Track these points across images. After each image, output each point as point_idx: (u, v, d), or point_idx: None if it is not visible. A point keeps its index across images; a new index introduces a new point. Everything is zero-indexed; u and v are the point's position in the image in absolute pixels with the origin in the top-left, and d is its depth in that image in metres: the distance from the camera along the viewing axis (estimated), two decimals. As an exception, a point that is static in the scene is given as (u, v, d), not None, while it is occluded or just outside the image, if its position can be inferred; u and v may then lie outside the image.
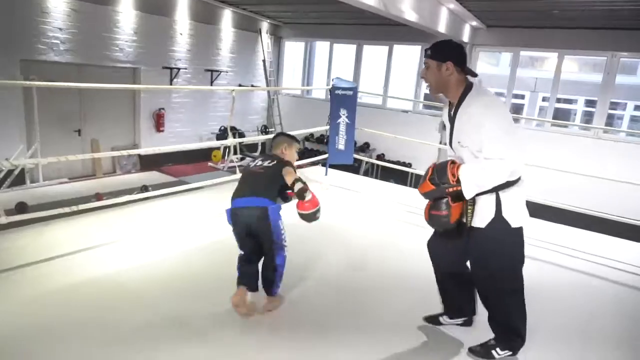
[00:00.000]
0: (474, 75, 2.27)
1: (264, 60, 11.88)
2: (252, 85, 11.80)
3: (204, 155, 10.28)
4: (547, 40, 8.77)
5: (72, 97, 8.64)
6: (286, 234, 2.69)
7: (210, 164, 10.45)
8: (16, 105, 7.73)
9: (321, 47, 12.39)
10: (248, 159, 10.26)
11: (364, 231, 4.26)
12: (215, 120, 11.01)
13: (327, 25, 11.27)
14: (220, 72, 10.85)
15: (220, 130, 10.75)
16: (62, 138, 8.62)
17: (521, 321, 2.37)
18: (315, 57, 12.61)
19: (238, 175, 5.27)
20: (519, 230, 2.24)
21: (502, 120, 2.11)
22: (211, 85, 10.62)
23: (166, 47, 9.70)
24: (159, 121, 9.85)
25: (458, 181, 2.13)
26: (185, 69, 10.05)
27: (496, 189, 2.16)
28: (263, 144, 11.82)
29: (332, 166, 5.79)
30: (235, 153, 10.54)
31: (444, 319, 2.68)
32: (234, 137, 10.77)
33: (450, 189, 2.15)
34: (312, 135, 11.54)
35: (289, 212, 2.71)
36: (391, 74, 10.89)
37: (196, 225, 4.03)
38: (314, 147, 11.49)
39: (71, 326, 2.45)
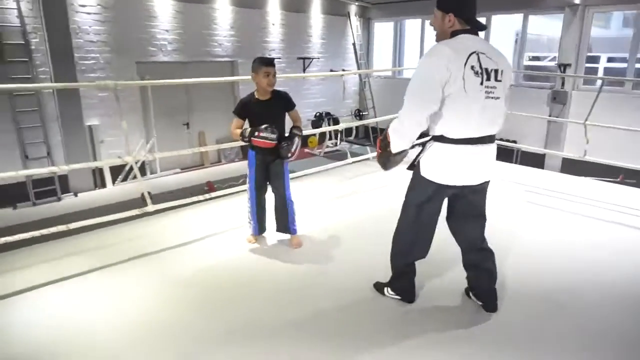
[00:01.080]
0: (483, 28, 2.21)
1: (353, 44, 11.81)
2: (343, 70, 11.81)
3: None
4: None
5: (180, 93, 9.32)
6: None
7: (306, 150, 10.70)
8: (135, 103, 8.50)
9: (410, 25, 12.01)
10: (344, 144, 10.43)
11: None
12: (309, 107, 11.21)
13: (418, 1, 10.87)
14: (312, 58, 11.00)
15: (315, 116, 10.93)
16: (173, 131, 9.36)
17: (395, 259, 2.55)
18: (405, 36, 12.28)
19: (348, 161, 5.32)
20: (427, 181, 2.30)
21: (416, 76, 2.15)
22: (304, 72, 10.81)
23: (260, 38, 10.04)
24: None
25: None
26: (279, 58, 10.33)
27: (425, 142, 2.29)
28: (357, 127, 11.84)
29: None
30: (330, 138, 10.80)
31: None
32: (328, 123, 10.97)
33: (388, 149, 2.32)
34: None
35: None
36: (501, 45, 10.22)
37: (314, 211, 4.12)
38: None
39: (216, 305, 2.65)
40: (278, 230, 3.31)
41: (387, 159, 2.36)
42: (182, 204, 3.74)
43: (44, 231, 2.79)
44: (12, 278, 2.81)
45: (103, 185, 8.14)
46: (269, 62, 2.94)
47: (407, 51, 12.30)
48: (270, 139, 2.85)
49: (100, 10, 7.68)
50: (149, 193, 3.58)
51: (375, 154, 2.67)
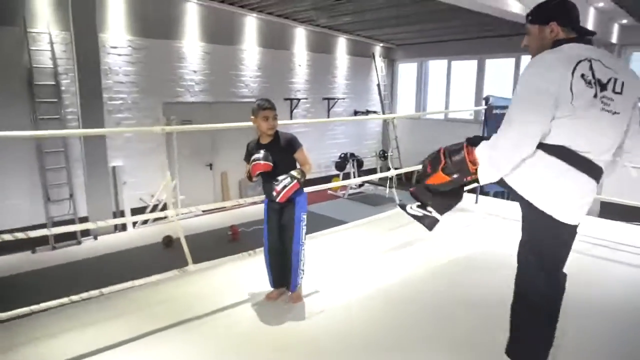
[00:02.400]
0: (592, 34, 1.90)
1: (378, 85, 11.72)
2: (367, 111, 11.67)
3: (322, 183, 10.25)
4: None
5: (204, 133, 9.17)
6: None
7: (330, 191, 10.40)
8: (159, 144, 8.36)
9: (435, 66, 11.93)
10: (369, 185, 10.14)
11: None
12: (334, 147, 11.01)
13: (443, 42, 10.82)
14: (337, 99, 10.88)
15: (340, 157, 10.70)
16: (196, 172, 9.15)
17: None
18: (429, 76, 12.18)
19: (393, 211, 4.98)
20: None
21: (521, 92, 1.78)
22: (328, 113, 10.68)
23: (286, 79, 9.98)
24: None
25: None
26: (306, 98, 10.24)
27: None
28: (381, 169, 11.59)
29: (482, 193, 5.29)
30: (355, 178, 10.53)
31: None
32: (353, 164, 10.72)
33: (469, 178, 1.88)
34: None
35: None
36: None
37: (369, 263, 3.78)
38: None
39: None
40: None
41: (451, 187, 1.96)
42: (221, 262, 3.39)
43: (75, 297, 2.46)
44: (48, 347, 2.48)
45: (123, 227, 7.88)
46: (268, 106, 2.83)
47: (431, 91, 12.18)
48: (260, 158, 2.74)
49: (131, 51, 7.66)
50: (189, 251, 3.22)
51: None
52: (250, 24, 9.19)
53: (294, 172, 2.81)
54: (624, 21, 7.88)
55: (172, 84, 8.30)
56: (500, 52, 10.14)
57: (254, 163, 2.76)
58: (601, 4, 6.78)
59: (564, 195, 1.82)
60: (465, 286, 3.23)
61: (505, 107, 4.65)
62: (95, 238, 7.46)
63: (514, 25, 6.38)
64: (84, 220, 7.32)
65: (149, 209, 8.04)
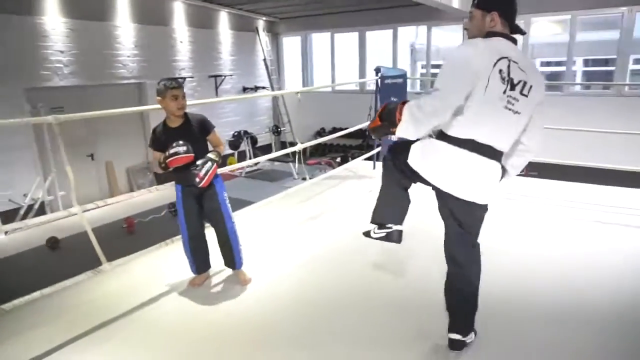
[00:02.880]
0: (522, 33, 2.06)
1: (264, 59, 11.58)
2: (256, 87, 11.50)
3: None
4: (557, 4, 8.60)
5: (79, 121, 8.27)
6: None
7: (227, 171, 10.16)
8: (26, 136, 7.37)
9: (318, 39, 12.10)
10: (266, 162, 10.09)
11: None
12: (226, 126, 10.70)
13: (325, 15, 11.00)
14: (224, 76, 10.53)
15: (233, 135, 10.45)
16: (76, 164, 8.25)
17: (379, 206, 2.33)
18: (314, 50, 12.34)
19: (299, 186, 5.03)
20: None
21: (448, 64, 1.99)
22: (216, 91, 10.32)
23: (168, 57, 9.36)
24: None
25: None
26: (192, 77, 9.73)
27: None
28: (275, 144, 11.63)
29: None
30: (251, 158, 10.37)
31: None
32: (247, 141, 10.56)
33: (393, 129, 2.09)
34: (324, 130, 11.33)
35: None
36: (398, 57, 10.71)
37: (272, 242, 3.79)
38: (346, 143, 11.20)
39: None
40: (225, 265, 3.06)
41: (382, 134, 2.27)
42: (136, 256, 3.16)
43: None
44: None
45: (-7, 234, 6.88)
46: (176, 84, 2.68)
47: (316, 64, 12.37)
48: (183, 151, 2.60)
49: (-24, 30, 6.54)
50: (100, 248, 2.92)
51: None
52: (121, -3, 8.39)
53: (211, 155, 2.71)
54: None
55: (35, 66, 7.29)
56: (380, 24, 10.63)
57: (174, 157, 2.58)
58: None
59: (470, 178, 2.03)
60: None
61: (396, 77, 4.94)
62: (-41, 250, 6.41)
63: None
64: (-60, 231, 6.23)
65: (22, 210, 7.10)
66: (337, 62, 11.61)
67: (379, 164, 5.92)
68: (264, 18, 11.43)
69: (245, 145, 10.46)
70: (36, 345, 2.34)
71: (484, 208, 2.12)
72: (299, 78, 12.37)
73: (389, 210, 2.31)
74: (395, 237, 2.26)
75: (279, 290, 2.93)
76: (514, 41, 2.00)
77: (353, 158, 8.58)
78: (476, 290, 2.19)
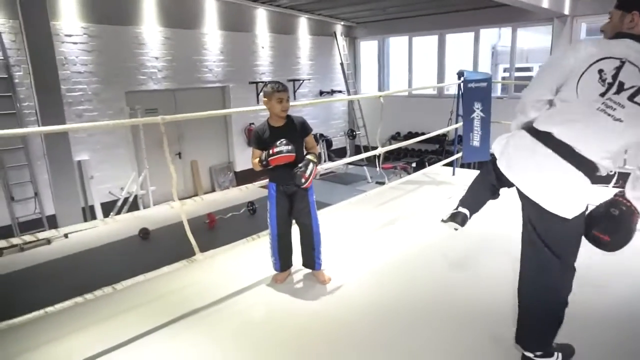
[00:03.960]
0: None
1: (341, 63, 11.71)
2: (332, 91, 11.67)
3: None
4: None
5: (170, 122, 8.89)
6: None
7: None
8: (125, 135, 8.06)
9: (395, 42, 12.02)
10: (340, 165, 10.19)
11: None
12: (301, 129, 10.96)
13: (404, 19, 10.91)
14: (302, 80, 10.81)
15: (309, 138, 10.67)
16: (165, 162, 8.89)
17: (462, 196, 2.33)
18: (390, 54, 12.27)
19: (377, 189, 5.05)
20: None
21: (554, 55, 2.03)
22: (294, 94, 10.60)
23: (250, 62, 9.79)
24: (250, 136, 9.96)
25: None
26: (281, 83, 10.07)
27: None
28: (350, 148, 11.70)
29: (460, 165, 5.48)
30: (326, 161, 10.54)
31: None
32: (323, 144, 10.74)
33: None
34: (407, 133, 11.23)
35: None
36: (479, 60, 10.35)
37: (347, 245, 3.85)
38: (422, 148, 11.07)
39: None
40: (304, 265, 3.13)
41: None
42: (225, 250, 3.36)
43: (89, 296, 2.38)
44: (59, 348, 2.39)
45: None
46: (282, 88, 2.82)
47: (393, 69, 12.29)
48: (287, 150, 2.69)
49: (87, 39, 7.27)
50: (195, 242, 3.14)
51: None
52: (210, 6, 8.90)
53: (311, 157, 2.82)
54: (576, -7, 8.22)
55: (134, 72, 7.97)
56: (460, 27, 10.35)
57: (278, 155, 2.70)
58: (557, -23, 7.03)
59: (536, 174, 1.87)
60: (460, 253, 3.39)
61: (480, 81, 4.79)
62: (66, 236, 7.16)
63: (473, 0, 6.50)
64: (51, 219, 7.01)
65: (119, 202, 7.78)
66: (415, 65, 11.46)
67: (459, 170, 5.79)
68: (342, 23, 11.58)
69: (320, 148, 10.65)
70: (132, 328, 2.58)
71: (557, 219, 1.84)
72: (375, 82, 12.37)
73: (465, 196, 2.28)
74: (459, 219, 2.21)
75: (356, 293, 2.97)
76: None
77: (430, 163, 8.45)
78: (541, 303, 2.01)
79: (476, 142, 4.82)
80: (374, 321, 2.62)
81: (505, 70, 10.99)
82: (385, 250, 3.61)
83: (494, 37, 11.01)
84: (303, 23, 10.78)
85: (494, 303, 2.70)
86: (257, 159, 2.84)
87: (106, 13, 7.42)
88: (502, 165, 1.97)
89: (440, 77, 10.86)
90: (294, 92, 10.62)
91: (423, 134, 5.69)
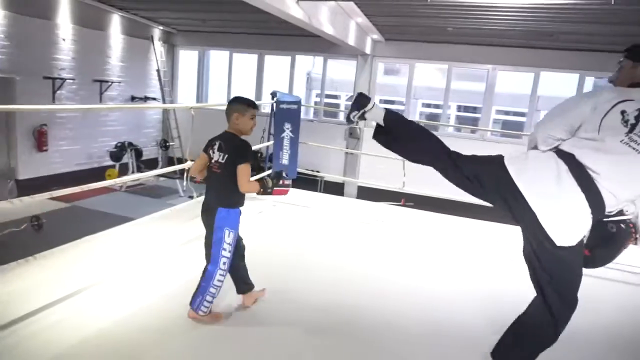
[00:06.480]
0: None
1: (157, 70, 11.10)
2: (146, 97, 10.95)
3: (94, 175, 9.21)
4: (439, 54, 9.65)
5: None
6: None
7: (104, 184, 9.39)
8: None
9: (216, 56, 11.97)
10: (150, 177, 9.52)
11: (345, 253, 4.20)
12: (108, 135, 9.97)
13: (226, 34, 10.97)
14: (111, 82, 9.86)
15: (116, 146, 9.76)
16: None
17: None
18: (211, 66, 12.17)
19: (188, 203, 4.80)
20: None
21: (576, 99, 2.07)
22: (100, 97, 9.60)
23: (47, 54, 8.52)
24: (41, 139, 8.59)
25: None
26: (73, 79, 8.93)
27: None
28: (162, 159, 11.10)
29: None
30: (134, 172, 9.71)
31: None
32: (131, 154, 9.92)
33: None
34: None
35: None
36: (294, 84, 11.02)
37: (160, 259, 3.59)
38: None
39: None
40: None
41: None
42: None
43: None
44: None
45: None
46: (255, 105, 2.65)
47: (213, 82, 12.19)
48: (287, 184, 2.74)
49: None
50: None
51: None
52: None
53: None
54: (375, 36, 9.48)
55: None
56: (278, 50, 10.88)
57: (285, 188, 2.71)
58: (360, 19, 8.00)
59: (548, 191, 1.87)
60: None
61: (291, 103, 5.07)
62: None
63: (291, 27, 6.94)
64: None
65: None
66: (234, 81, 11.58)
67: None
68: (161, 27, 11.03)
69: (128, 158, 9.83)
70: None
71: (554, 246, 1.85)
72: (193, 93, 12.05)
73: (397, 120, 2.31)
74: (364, 101, 2.23)
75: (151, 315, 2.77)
76: None
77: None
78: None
79: (285, 160, 5.08)
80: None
81: (317, 95, 11.96)
82: (189, 266, 3.47)
83: (309, 64, 11.91)
84: (116, 20, 9.90)
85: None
86: (256, 183, 2.62)
87: None
88: (512, 169, 1.96)
89: (258, 95, 11.21)
90: (100, 94, 9.61)
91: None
